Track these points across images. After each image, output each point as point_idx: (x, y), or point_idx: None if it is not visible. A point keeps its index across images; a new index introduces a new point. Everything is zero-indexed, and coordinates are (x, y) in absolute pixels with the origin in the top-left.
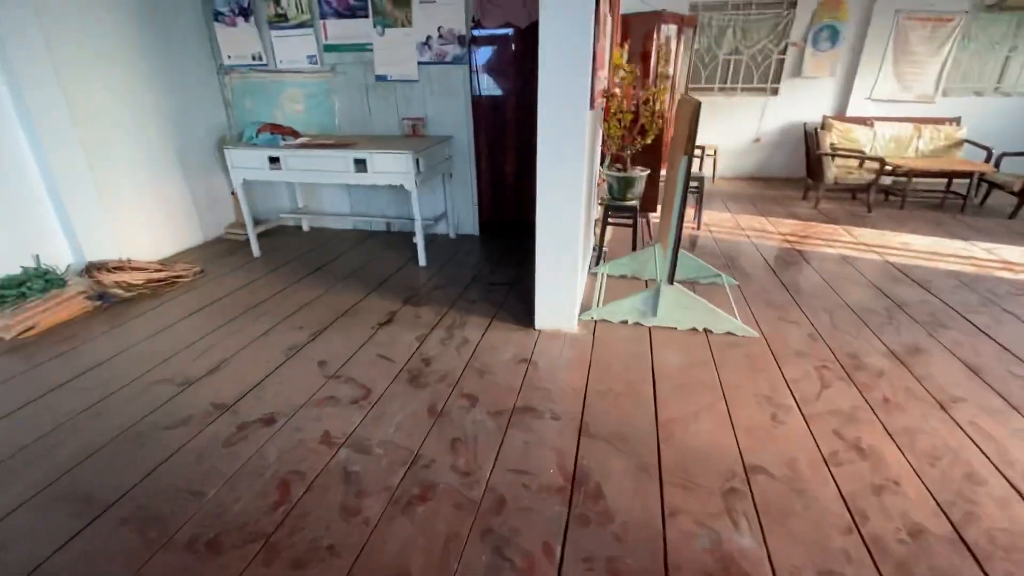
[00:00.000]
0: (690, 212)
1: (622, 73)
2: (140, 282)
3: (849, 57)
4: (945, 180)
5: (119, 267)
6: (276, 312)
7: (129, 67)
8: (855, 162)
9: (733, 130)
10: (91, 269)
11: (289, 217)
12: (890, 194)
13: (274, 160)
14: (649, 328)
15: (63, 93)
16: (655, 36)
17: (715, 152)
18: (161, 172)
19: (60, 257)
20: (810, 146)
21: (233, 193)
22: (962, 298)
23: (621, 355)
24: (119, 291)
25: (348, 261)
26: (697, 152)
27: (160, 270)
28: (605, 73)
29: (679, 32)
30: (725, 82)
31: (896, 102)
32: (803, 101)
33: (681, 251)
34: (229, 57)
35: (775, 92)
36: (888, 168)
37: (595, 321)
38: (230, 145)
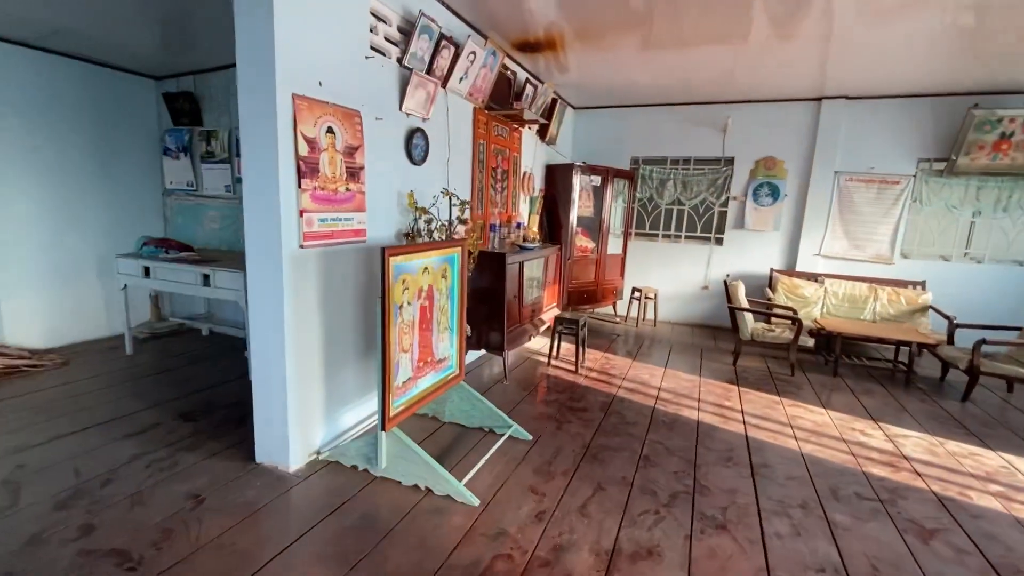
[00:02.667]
0: (570, 350)
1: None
2: None
3: (794, 213)
4: (894, 347)
5: None
6: (68, 414)
7: (71, 181)
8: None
9: (678, 276)
10: None
11: (193, 322)
12: (829, 359)
13: (147, 270)
14: (375, 477)
15: None
16: (572, 185)
17: (655, 296)
18: (74, 271)
19: None
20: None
21: (152, 296)
22: (784, 492)
23: (301, 508)
24: None
25: (193, 369)
26: (636, 295)
27: (22, 357)
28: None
29: (605, 182)
30: (669, 229)
31: (851, 260)
32: (750, 252)
33: (473, 394)
34: (171, 183)
35: (719, 242)
36: (812, 328)
37: (327, 461)
38: (121, 255)
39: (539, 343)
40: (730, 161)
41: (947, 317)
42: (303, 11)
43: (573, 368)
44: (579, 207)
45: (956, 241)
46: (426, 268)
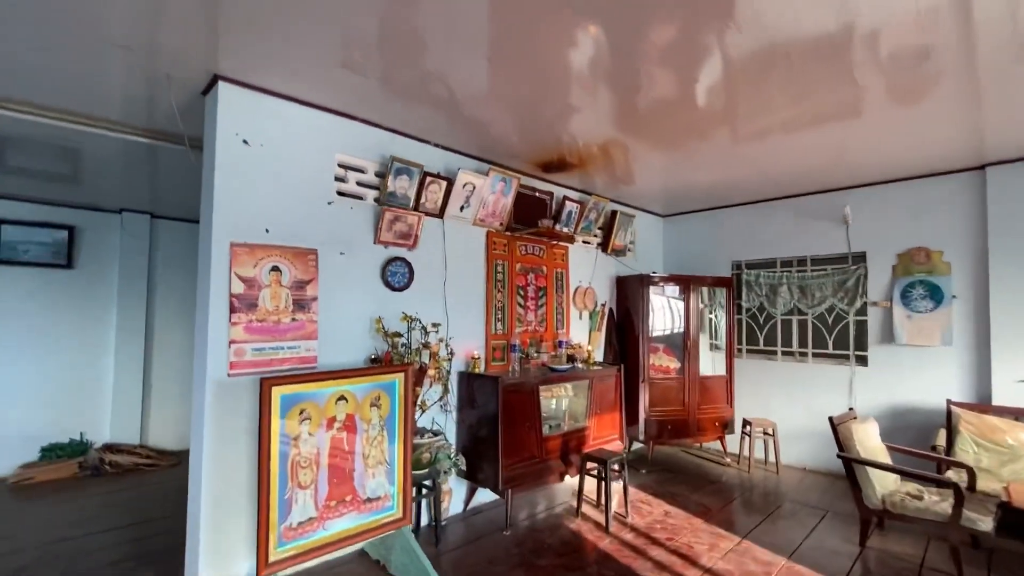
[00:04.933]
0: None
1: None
2: (126, 463)
3: (973, 321)
4: None
5: (125, 450)
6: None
7: None
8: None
9: (810, 406)
10: (105, 448)
11: None
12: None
13: None
14: None
15: (144, 333)
16: (643, 297)
17: (773, 431)
18: None
19: (100, 434)
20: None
21: None
22: None
23: None
24: (107, 467)
25: None
26: (747, 429)
27: (148, 457)
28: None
29: (687, 291)
30: (791, 345)
31: None
32: (910, 375)
33: (410, 545)
34: None
35: (862, 361)
36: (991, 498)
37: None
38: None
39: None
40: (861, 257)
41: None
42: (249, 172)
43: (604, 523)
44: (656, 321)
45: None
46: (342, 396)
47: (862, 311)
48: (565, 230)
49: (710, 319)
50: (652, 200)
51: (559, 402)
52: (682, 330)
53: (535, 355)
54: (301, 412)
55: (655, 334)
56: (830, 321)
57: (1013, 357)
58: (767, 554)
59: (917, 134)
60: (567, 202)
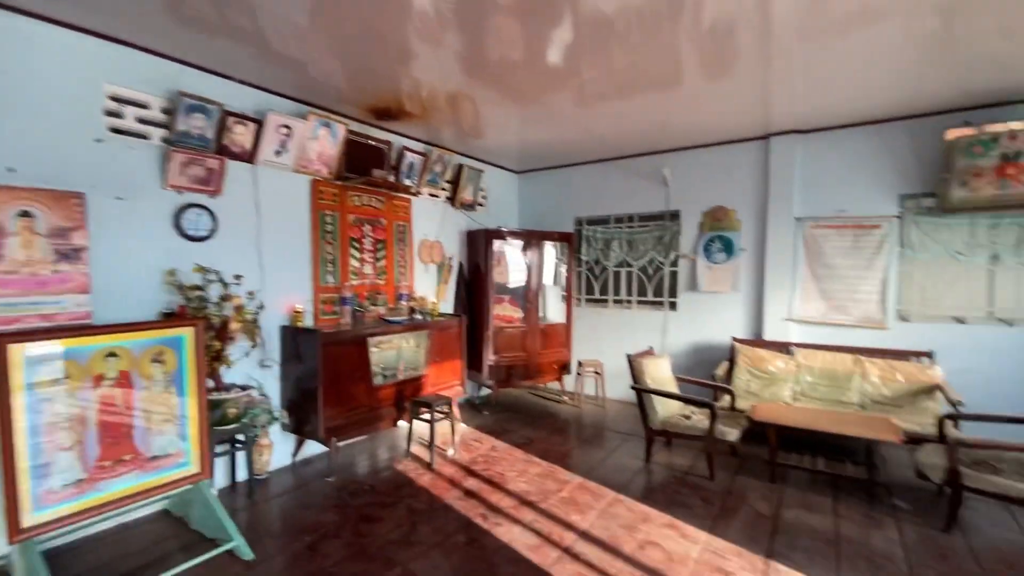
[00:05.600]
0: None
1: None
2: None
3: (754, 270)
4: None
5: None
6: None
7: None
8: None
9: (633, 347)
10: None
11: None
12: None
13: None
14: None
15: None
16: (488, 251)
17: (601, 370)
18: None
19: None
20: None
21: None
22: None
23: None
24: None
25: None
26: (579, 370)
27: None
28: None
29: (529, 246)
30: (619, 294)
31: (834, 325)
32: (708, 317)
33: (206, 497)
34: None
35: (673, 307)
36: (744, 414)
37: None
38: None
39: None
40: (675, 215)
41: (951, 402)
42: None
43: (430, 462)
44: (502, 274)
45: (973, 297)
46: (112, 353)
47: (675, 263)
48: (407, 182)
49: (560, 272)
50: (505, 156)
51: (399, 353)
52: (528, 282)
53: (372, 307)
54: (57, 370)
55: (501, 286)
56: (650, 272)
57: (779, 300)
58: (567, 474)
59: (722, 104)
60: (408, 153)
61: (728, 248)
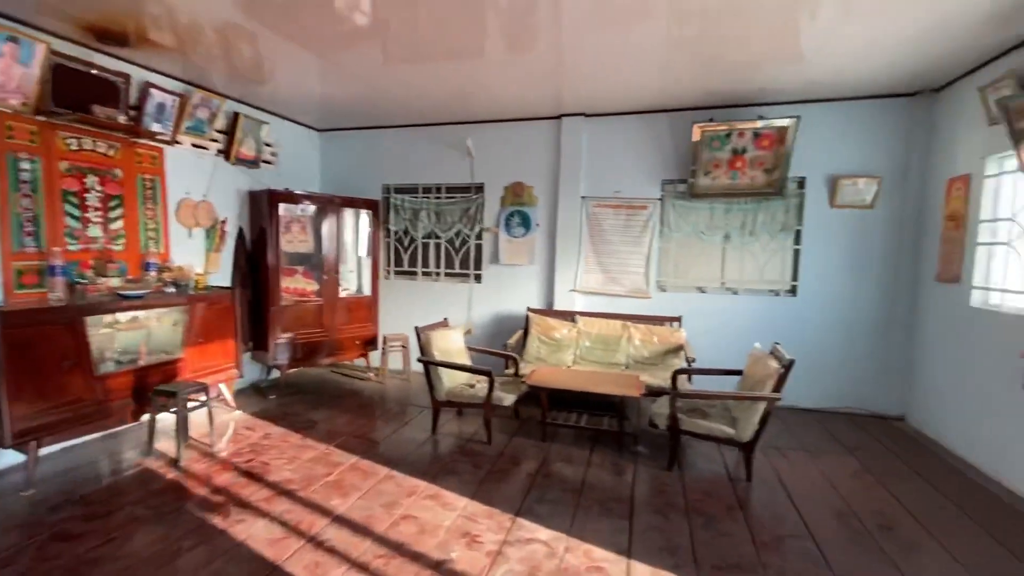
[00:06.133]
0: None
1: None
2: None
3: (547, 244)
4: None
5: None
6: None
7: None
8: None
9: (440, 319)
10: None
11: None
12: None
13: None
14: None
15: None
16: (274, 215)
17: (406, 344)
18: None
19: None
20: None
21: None
22: None
23: None
24: None
25: None
26: (383, 345)
27: None
28: None
29: (325, 213)
30: (428, 266)
31: (609, 295)
32: (509, 289)
33: None
34: None
35: (478, 279)
36: (520, 379)
37: None
38: None
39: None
40: (480, 188)
41: (687, 359)
42: None
43: (177, 459)
44: (293, 242)
45: (711, 270)
46: None
47: (480, 236)
48: (156, 127)
49: (366, 241)
50: (302, 110)
51: (147, 334)
52: (326, 252)
53: (101, 279)
54: None
55: (295, 256)
56: (457, 244)
57: (567, 272)
58: (343, 456)
59: (520, 80)
60: (155, 91)
61: (526, 223)
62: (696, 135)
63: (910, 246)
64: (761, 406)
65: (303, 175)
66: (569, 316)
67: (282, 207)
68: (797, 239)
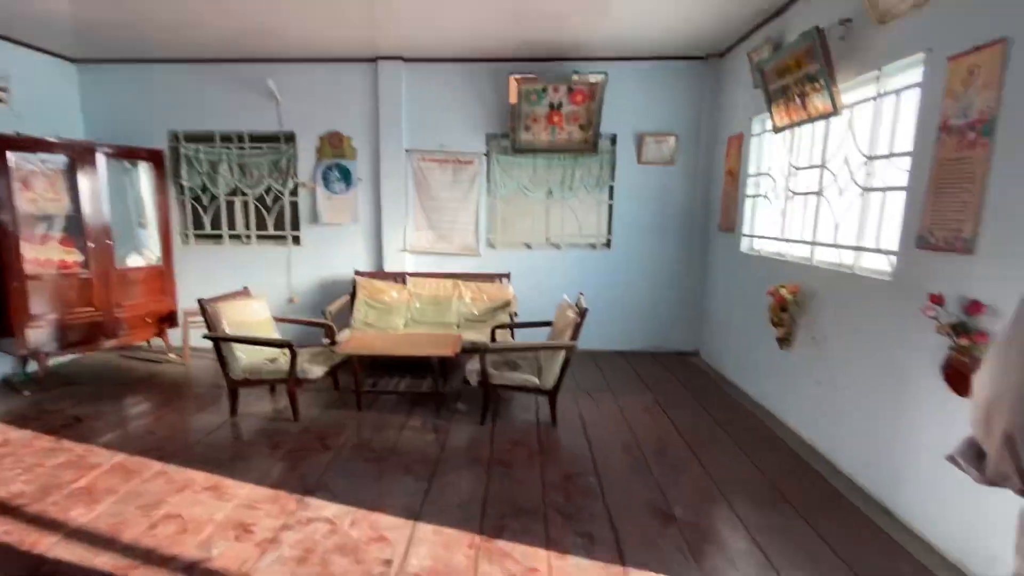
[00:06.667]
0: None
1: None
2: None
3: (372, 201)
4: None
5: None
6: None
7: None
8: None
9: (258, 289)
10: None
11: None
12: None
13: None
14: None
15: None
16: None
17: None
18: None
19: None
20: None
21: None
22: None
23: None
24: None
25: None
26: (183, 321)
27: None
28: None
29: (79, 165)
30: (235, 228)
31: (440, 255)
32: (333, 252)
33: None
34: None
35: (297, 241)
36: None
37: None
38: None
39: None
40: (291, 138)
41: (510, 315)
42: None
43: None
44: (33, 201)
45: (536, 226)
46: None
47: (295, 192)
48: None
49: (149, 199)
50: (47, 33)
51: None
52: (89, 213)
53: None
54: None
55: (38, 218)
56: (269, 202)
57: (396, 231)
58: (106, 455)
59: (330, 18)
60: None
61: (346, 177)
62: (513, 88)
63: (702, 199)
64: (561, 354)
65: (55, 117)
66: (400, 278)
67: (13, 156)
68: (611, 194)
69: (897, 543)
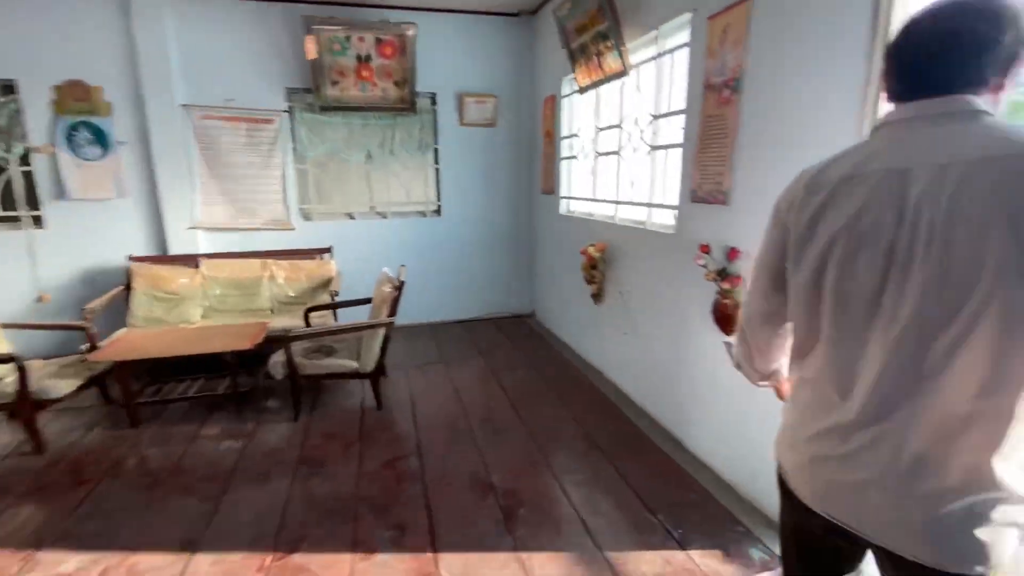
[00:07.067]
0: None
1: None
2: None
3: (141, 169)
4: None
5: None
6: None
7: None
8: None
9: None
10: None
11: None
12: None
13: None
14: None
15: None
16: None
17: None
18: None
19: None
20: None
21: None
22: None
23: None
24: None
25: None
26: None
27: None
28: None
29: None
30: None
31: (244, 231)
32: (94, 234)
33: None
34: None
35: (38, 222)
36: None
37: None
38: None
39: None
40: (11, 87)
41: (331, 293)
42: None
43: None
44: None
45: (358, 193)
46: None
47: (26, 159)
48: None
49: None
50: None
51: None
52: None
53: None
54: None
55: None
56: None
57: (180, 205)
58: None
59: None
60: None
61: (101, 139)
62: (310, 35)
63: (526, 161)
64: (380, 333)
65: None
66: (192, 260)
67: None
68: (437, 158)
69: (687, 473)
